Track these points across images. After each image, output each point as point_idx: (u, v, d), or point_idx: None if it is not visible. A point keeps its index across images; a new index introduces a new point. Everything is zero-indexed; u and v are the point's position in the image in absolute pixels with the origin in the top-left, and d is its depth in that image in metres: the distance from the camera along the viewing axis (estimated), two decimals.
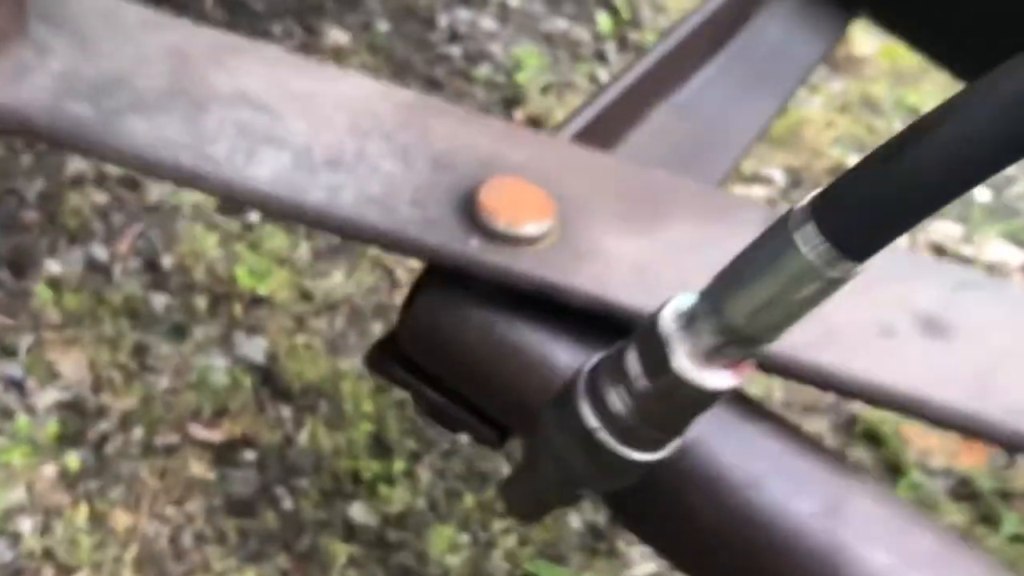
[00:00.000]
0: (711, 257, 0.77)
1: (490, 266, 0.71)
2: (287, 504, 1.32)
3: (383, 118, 0.77)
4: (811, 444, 0.72)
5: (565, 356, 0.74)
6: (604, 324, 0.74)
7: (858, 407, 1.65)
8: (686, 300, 0.54)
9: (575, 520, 1.40)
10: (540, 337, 0.74)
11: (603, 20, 2.15)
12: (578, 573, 1.34)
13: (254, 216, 1.63)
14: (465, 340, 0.76)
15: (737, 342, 0.51)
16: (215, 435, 1.35)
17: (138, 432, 1.34)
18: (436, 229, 0.71)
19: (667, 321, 0.53)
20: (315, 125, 0.75)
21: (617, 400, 0.56)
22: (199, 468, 1.32)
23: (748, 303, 0.50)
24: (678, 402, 0.54)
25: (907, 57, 2.31)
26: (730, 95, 1.24)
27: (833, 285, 0.48)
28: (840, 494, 0.69)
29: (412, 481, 1.37)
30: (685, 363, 0.52)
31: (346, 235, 0.71)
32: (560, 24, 2.16)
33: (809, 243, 0.46)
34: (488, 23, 2.10)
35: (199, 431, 1.35)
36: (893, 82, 2.28)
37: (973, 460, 1.63)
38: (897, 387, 0.72)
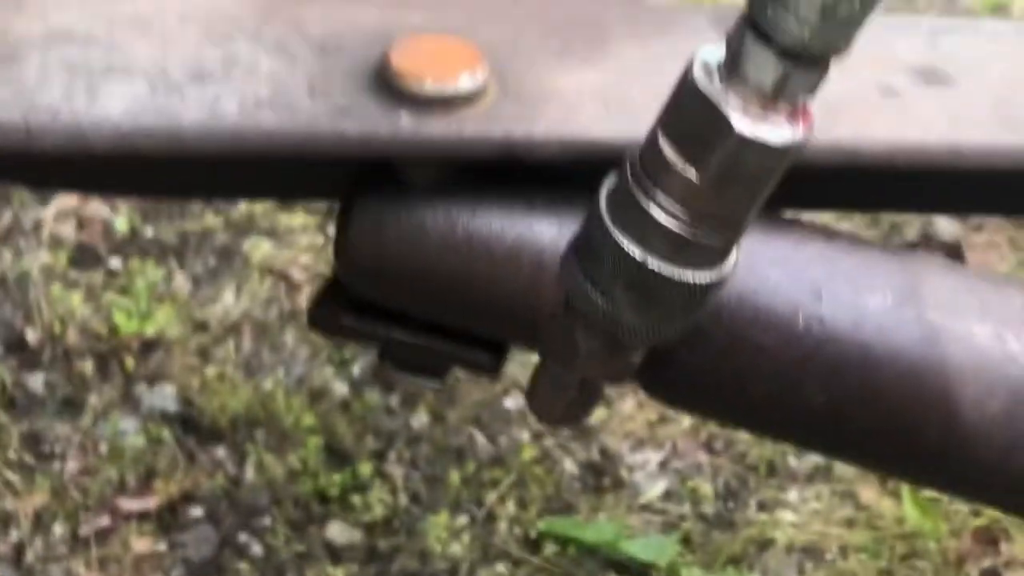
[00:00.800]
0: (675, 69, 0.66)
1: (433, 141, 0.57)
2: (256, 549, 1.15)
3: (241, 18, 0.63)
4: (854, 238, 0.62)
5: (548, 227, 0.61)
6: (580, 178, 0.61)
7: None
8: (711, 50, 0.42)
9: (568, 464, 1.27)
10: (512, 215, 0.61)
11: None
12: (591, 518, 1.21)
13: (115, 261, 1.43)
14: (425, 250, 0.62)
15: (804, 65, 0.39)
16: (149, 502, 1.16)
17: (59, 528, 1.14)
18: (353, 115, 0.57)
19: (704, 78, 0.41)
20: (163, 44, 0.60)
21: (660, 211, 0.44)
22: (144, 544, 1.13)
23: None
24: (743, 175, 0.42)
25: None
26: None
27: None
28: (911, 278, 0.58)
29: (384, 480, 1.22)
30: (744, 117, 0.40)
31: (244, 151, 0.55)
32: None
33: None
34: None
35: (129, 504, 1.16)
36: None
37: None
38: (927, 141, 0.62)
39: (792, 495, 1.27)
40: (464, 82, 0.58)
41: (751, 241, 0.60)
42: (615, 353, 0.51)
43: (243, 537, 1.15)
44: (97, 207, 1.53)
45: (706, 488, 1.26)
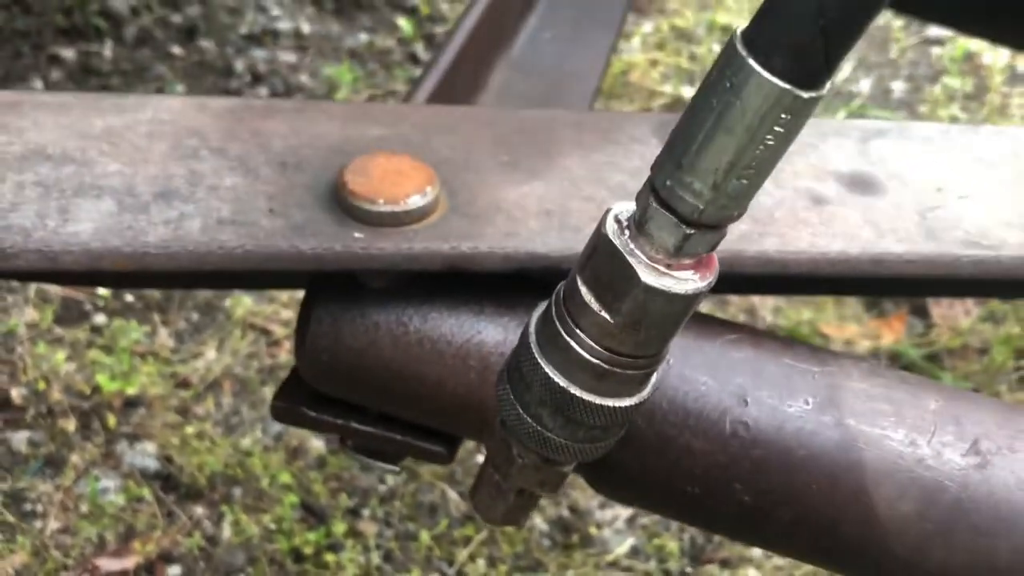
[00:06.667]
0: (615, 179, 0.70)
1: (384, 255, 0.61)
2: None
3: (206, 133, 0.66)
4: (781, 341, 0.65)
5: (494, 332, 0.65)
6: (524, 284, 0.65)
7: (769, 314, 1.61)
8: (624, 207, 0.46)
9: (539, 520, 1.30)
10: (460, 320, 0.65)
11: (404, 24, 2.07)
12: (560, 575, 1.24)
13: (100, 317, 1.47)
14: (379, 350, 0.65)
15: (702, 229, 0.43)
16: (127, 562, 1.19)
17: None
18: (308, 233, 0.61)
19: (615, 232, 0.45)
20: (131, 161, 0.64)
21: (580, 347, 0.47)
22: None
23: (706, 174, 0.42)
24: (652, 320, 0.45)
25: None
26: (562, 38, 1.18)
27: (808, 106, 0.40)
28: (829, 382, 0.62)
29: (358, 539, 1.25)
30: (649, 270, 0.44)
31: (206, 269, 0.59)
32: (361, 38, 2.06)
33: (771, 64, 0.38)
34: (287, 57, 1.98)
35: (108, 563, 1.19)
36: (698, 9, 2.28)
37: (894, 335, 1.62)
38: (850, 252, 0.65)
39: (757, 552, 1.30)
40: (414, 201, 0.61)
41: (683, 347, 0.63)
42: (548, 466, 0.54)
43: None
44: None
45: (672, 545, 1.29)
